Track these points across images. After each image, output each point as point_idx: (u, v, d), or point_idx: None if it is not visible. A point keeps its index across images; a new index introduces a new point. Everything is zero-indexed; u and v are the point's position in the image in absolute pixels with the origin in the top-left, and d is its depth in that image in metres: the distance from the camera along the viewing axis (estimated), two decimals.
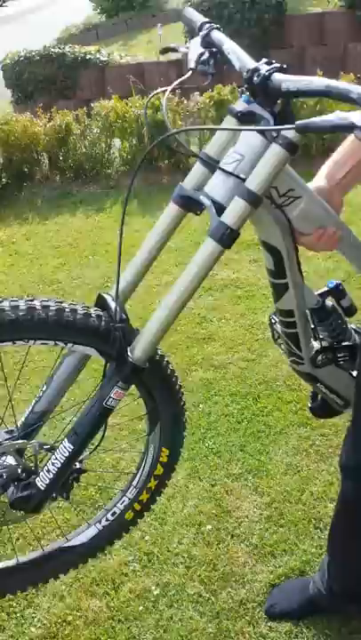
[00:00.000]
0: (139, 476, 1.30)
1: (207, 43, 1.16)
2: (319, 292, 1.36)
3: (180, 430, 1.29)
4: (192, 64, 1.14)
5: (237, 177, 1.02)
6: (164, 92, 1.12)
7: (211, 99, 4.66)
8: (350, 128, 0.83)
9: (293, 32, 7.01)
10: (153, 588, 1.64)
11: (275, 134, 0.99)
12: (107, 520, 1.32)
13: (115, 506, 1.32)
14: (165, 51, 1.31)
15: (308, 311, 1.31)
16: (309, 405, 1.56)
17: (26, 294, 3.31)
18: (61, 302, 1.06)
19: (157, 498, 1.35)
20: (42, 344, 1.06)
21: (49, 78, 6.89)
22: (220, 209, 1.03)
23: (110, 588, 1.65)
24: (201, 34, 1.17)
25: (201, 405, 2.34)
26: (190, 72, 1.14)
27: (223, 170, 1.03)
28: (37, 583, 1.36)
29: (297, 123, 0.92)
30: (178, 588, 1.63)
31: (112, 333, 1.07)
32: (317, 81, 0.93)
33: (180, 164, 4.70)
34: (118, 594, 1.64)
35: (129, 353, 1.08)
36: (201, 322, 2.89)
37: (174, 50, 1.25)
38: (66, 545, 1.32)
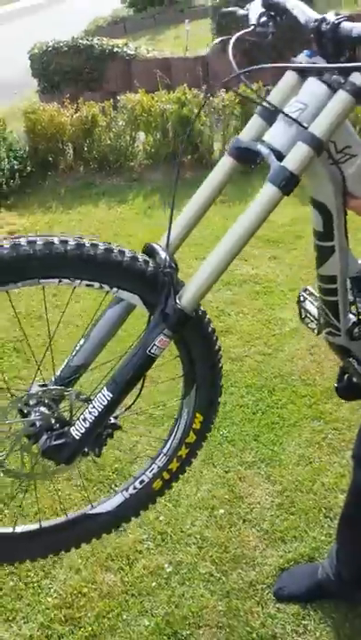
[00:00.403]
0: (170, 442, 1.25)
1: (268, 4, 1.15)
2: None
3: (215, 396, 1.24)
4: (253, 21, 1.14)
5: (301, 124, 1.00)
6: (229, 39, 1.10)
7: (236, 96, 4.69)
8: None
9: None
10: (166, 565, 1.70)
11: (342, 80, 0.98)
12: (134, 488, 1.27)
13: (143, 474, 1.27)
14: (224, 15, 1.32)
15: (348, 280, 1.27)
16: (335, 385, 1.51)
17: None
18: (110, 244, 1.03)
19: (187, 467, 1.29)
20: (87, 285, 1.02)
21: (76, 69, 6.94)
22: (279, 157, 1.00)
23: (125, 563, 1.72)
24: None
25: None
26: (252, 27, 1.13)
27: (287, 115, 1.01)
28: (59, 550, 1.30)
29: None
30: (190, 567, 1.69)
31: (160, 279, 1.03)
32: None
33: (204, 160, 4.74)
34: (132, 570, 1.70)
35: (177, 300, 1.04)
36: (219, 315, 2.94)
37: (232, 13, 1.24)
38: (91, 512, 1.28)
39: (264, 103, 1.08)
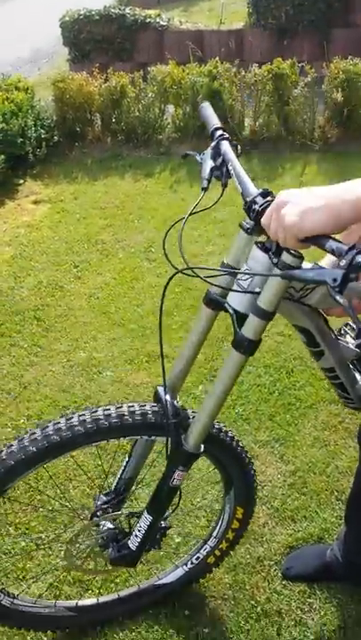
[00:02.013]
0: (218, 528, 1.48)
1: (217, 153, 1.22)
2: (357, 342, 1.39)
3: (252, 493, 1.44)
4: (204, 183, 1.19)
5: (252, 292, 1.09)
6: (180, 221, 1.15)
7: (269, 72, 4.59)
8: (324, 283, 0.88)
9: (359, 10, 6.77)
10: (175, 536, 1.72)
11: (275, 259, 1.04)
12: (192, 563, 1.53)
13: (198, 552, 1.52)
14: (185, 156, 1.35)
15: (349, 364, 1.38)
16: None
17: (71, 251, 3.39)
18: (121, 407, 1.25)
19: (236, 544, 1.53)
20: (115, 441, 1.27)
21: (107, 39, 6.83)
22: (242, 317, 1.12)
23: None
24: (211, 145, 1.23)
25: None
26: (203, 193, 1.18)
27: (236, 291, 1.12)
28: (134, 614, 1.56)
29: (282, 273, 1.01)
30: (198, 539, 1.71)
31: (167, 427, 1.23)
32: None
33: (234, 137, 4.67)
34: None
35: (183, 442, 1.24)
36: None
37: (192, 156, 1.29)
38: (158, 583, 1.55)
39: (213, 288, 1.18)
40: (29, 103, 4.59)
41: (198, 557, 1.52)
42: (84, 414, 1.23)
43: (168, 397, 1.25)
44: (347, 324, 1.41)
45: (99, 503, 1.39)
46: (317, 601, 1.55)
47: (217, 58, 4.80)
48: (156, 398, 1.30)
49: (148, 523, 1.32)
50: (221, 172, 1.20)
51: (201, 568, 1.53)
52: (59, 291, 3.05)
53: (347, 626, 1.50)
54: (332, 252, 0.89)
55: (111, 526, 1.38)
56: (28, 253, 3.39)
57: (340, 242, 0.88)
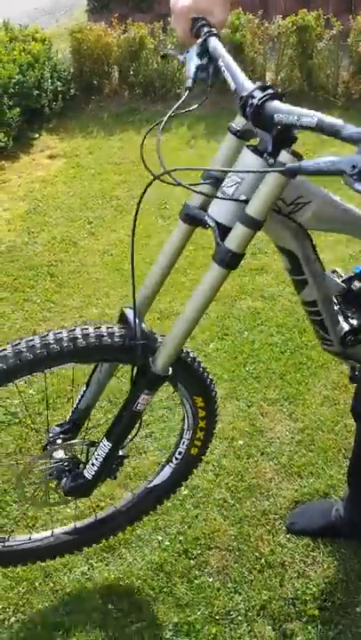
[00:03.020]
0: (187, 421, 1.45)
1: (204, 51, 1.13)
2: (345, 277, 1.35)
3: (203, 380, 1.37)
4: (189, 82, 1.11)
5: (238, 200, 1.03)
6: (159, 123, 1.09)
7: (293, 24, 4.41)
8: (340, 173, 0.82)
9: None
10: (182, 488, 1.74)
11: (271, 160, 0.97)
12: (176, 459, 1.50)
13: (179, 447, 1.49)
14: (163, 57, 1.29)
15: (334, 297, 1.32)
16: (349, 376, 1.60)
17: (86, 207, 3.35)
18: (87, 328, 1.19)
19: (213, 431, 1.50)
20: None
21: None
22: (224, 230, 1.05)
23: (142, 483, 1.76)
24: (198, 41, 1.13)
25: (246, 333, 2.37)
26: (187, 92, 1.10)
27: (222, 198, 1.05)
28: (134, 521, 1.58)
29: (287, 166, 0.93)
30: (205, 492, 1.73)
31: (134, 350, 1.18)
32: (308, 117, 0.91)
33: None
34: None
35: (151, 364, 1.19)
36: (255, 253, 2.87)
37: (173, 56, 1.22)
38: (150, 485, 1.53)
39: (197, 189, 1.10)
40: (46, 55, 4.47)
41: (180, 452, 1.48)
42: (46, 335, 1.17)
43: (136, 319, 1.19)
44: (334, 271, 1.34)
45: (52, 434, 1.35)
46: (321, 555, 1.57)
47: (240, 9, 4.61)
48: (122, 320, 1.24)
49: (107, 450, 1.28)
50: (208, 73, 1.12)
51: (187, 461, 1.50)
52: (72, 247, 3.03)
53: (349, 580, 1.52)
54: (351, 140, 0.83)
55: (64, 456, 1.34)
56: (42, 209, 3.37)
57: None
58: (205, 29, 1.14)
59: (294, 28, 4.39)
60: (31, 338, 1.17)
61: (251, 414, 1.98)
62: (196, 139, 4.05)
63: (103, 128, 4.33)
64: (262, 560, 1.57)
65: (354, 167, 0.79)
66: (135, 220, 1.10)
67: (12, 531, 1.60)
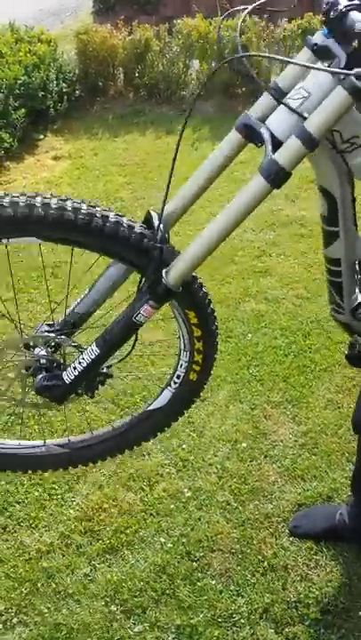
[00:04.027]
0: (181, 340, 1.33)
1: None
2: None
3: (196, 291, 1.25)
4: None
5: (300, 115, 0.99)
6: (244, 9, 1.08)
7: (299, 27, 4.42)
8: None
9: None
10: (185, 490, 1.74)
11: (342, 76, 0.93)
12: (175, 383, 1.38)
13: (177, 370, 1.37)
14: None
15: (357, 262, 1.27)
16: (346, 353, 1.53)
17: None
18: (107, 210, 1.10)
19: (213, 357, 1.36)
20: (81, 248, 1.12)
21: None
22: (277, 145, 1.00)
23: (145, 485, 1.76)
24: None
25: (250, 335, 2.37)
26: None
27: (286, 106, 1.00)
28: (132, 445, 1.46)
29: (357, 70, 0.90)
30: (208, 494, 1.73)
31: (150, 252, 1.09)
32: None
33: (258, 93, 4.53)
34: (152, 491, 1.74)
35: (164, 275, 1.10)
36: (260, 255, 2.87)
37: None
38: (149, 409, 1.41)
39: (272, 85, 1.06)
40: (52, 56, 4.49)
41: (179, 376, 1.38)
42: (64, 200, 1.08)
43: (161, 224, 1.11)
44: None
45: (37, 331, 1.25)
46: (324, 558, 1.57)
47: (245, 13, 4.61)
48: (147, 222, 1.15)
49: (93, 356, 1.18)
50: None
51: (187, 387, 1.40)
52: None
53: (352, 583, 1.51)
54: None
55: (45, 353, 1.24)
56: None
57: None
58: None
59: (300, 31, 4.40)
60: (49, 195, 1.08)
61: (254, 417, 1.98)
62: (201, 141, 4.05)
63: (108, 129, 4.34)
64: (265, 563, 1.57)
65: None
66: (185, 125, 1.11)
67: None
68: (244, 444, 1.87)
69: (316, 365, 2.20)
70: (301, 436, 1.90)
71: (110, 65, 4.73)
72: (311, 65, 0.98)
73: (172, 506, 1.70)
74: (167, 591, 1.52)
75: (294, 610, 1.47)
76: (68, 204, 1.07)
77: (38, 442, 1.47)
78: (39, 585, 1.54)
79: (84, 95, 4.74)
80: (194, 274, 1.19)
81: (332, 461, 1.80)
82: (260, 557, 1.58)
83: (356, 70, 0.90)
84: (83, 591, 1.53)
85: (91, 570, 1.57)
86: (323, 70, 0.97)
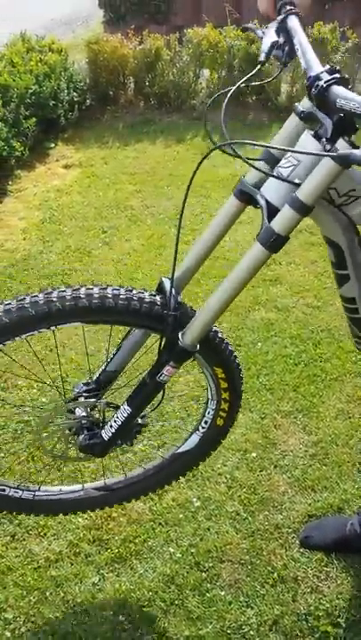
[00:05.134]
0: (209, 391, 1.43)
1: (283, 29, 1.14)
2: None
3: (223, 350, 1.34)
4: (262, 56, 1.12)
5: (291, 183, 1.03)
6: (227, 92, 1.10)
7: (309, 36, 4.42)
8: None
9: None
10: (194, 500, 1.73)
11: (328, 146, 0.97)
12: (203, 428, 1.49)
13: (205, 416, 1.48)
14: (245, 30, 1.31)
15: None
16: None
17: (100, 217, 3.37)
18: (130, 290, 1.19)
19: (239, 404, 1.46)
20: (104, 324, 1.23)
21: (143, 0, 6.70)
22: (273, 211, 1.05)
23: (155, 494, 1.75)
24: (278, 18, 1.15)
25: (259, 344, 2.37)
26: (259, 66, 1.11)
27: (277, 177, 1.05)
28: (163, 484, 1.60)
29: (338, 152, 0.94)
30: (218, 504, 1.72)
31: (165, 319, 1.18)
32: None
33: (269, 102, 4.55)
34: (161, 500, 1.74)
35: (180, 337, 1.18)
36: (270, 263, 2.87)
37: (252, 30, 1.23)
38: (178, 451, 1.53)
39: (256, 164, 1.11)
40: (63, 65, 4.52)
41: (206, 421, 1.48)
42: (83, 288, 1.18)
43: (173, 290, 1.19)
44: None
45: (76, 390, 1.37)
46: (334, 570, 1.55)
47: (255, 20, 4.64)
48: (159, 289, 1.24)
49: (126, 415, 1.30)
50: (283, 51, 1.13)
51: (214, 431, 1.49)
52: (86, 256, 3.04)
53: None
54: None
55: (85, 414, 1.36)
56: (58, 218, 3.39)
57: None
58: (287, 7, 1.16)
59: (310, 40, 4.40)
60: (63, 289, 1.17)
61: (264, 426, 1.97)
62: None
63: (118, 138, 4.37)
64: (275, 574, 1.55)
65: None
66: (189, 186, 1.13)
67: (43, 481, 1.66)
68: (253, 454, 1.86)
69: (327, 375, 2.18)
70: (312, 446, 1.89)
71: (121, 74, 4.77)
72: (300, 150, 1.03)
73: (180, 515, 1.69)
74: (176, 602, 1.51)
75: (304, 622, 1.46)
76: (109, 292, 1.18)
77: (77, 486, 1.56)
78: (48, 594, 1.54)
79: (95, 104, 4.78)
80: (216, 329, 1.29)
81: (343, 472, 1.78)
82: (269, 568, 1.57)
83: (339, 153, 0.95)
84: (91, 600, 1.52)
85: (99, 579, 1.56)
86: (312, 155, 1.01)
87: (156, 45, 4.62)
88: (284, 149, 1.06)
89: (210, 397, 1.44)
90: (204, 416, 1.48)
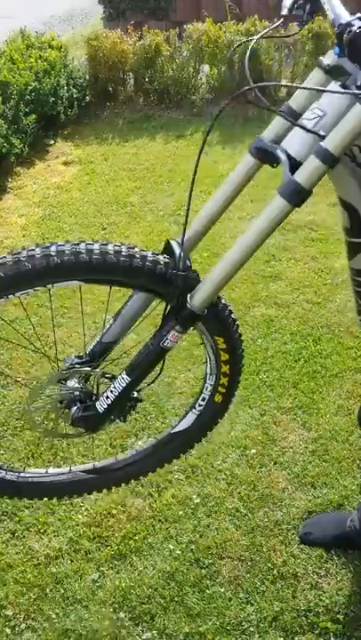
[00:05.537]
0: (209, 364, 1.36)
1: None
2: None
3: (226, 317, 1.27)
4: (285, 10, 1.11)
5: (316, 134, 1.00)
6: (249, 41, 1.09)
7: (310, 31, 4.41)
8: None
9: None
10: (194, 497, 1.73)
11: (360, 94, 0.94)
12: (200, 405, 1.41)
13: (202, 392, 1.40)
14: None
15: None
16: None
17: (100, 213, 3.36)
18: (132, 247, 1.13)
19: (239, 379, 1.39)
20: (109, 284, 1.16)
21: None
22: (295, 165, 1.01)
23: (154, 491, 1.76)
24: None
25: (259, 340, 2.36)
26: (282, 20, 1.11)
27: (302, 127, 1.01)
28: (156, 468, 1.49)
29: None
30: (217, 501, 1.72)
31: (174, 280, 1.12)
32: None
33: (269, 97, 4.52)
34: (161, 497, 1.74)
35: (188, 300, 1.13)
36: (269, 260, 2.87)
37: None
38: (174, 431, 1.44)
39: (282, 108, 1.08)
40: (62, 62, 4.51)
41: (204, 398, 1.40)
42: (83, 244, 1.11)
43: (181, 251, 1.13)
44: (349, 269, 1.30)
45: (68, 363, 1.29)
46: (334, 566, 1.55)
47: (255, 16, 4.62)
48: (167, 251, 1.18)
49: (124, 384, 1.22)
50: (304, 10, 1.11)
51: (212, 409, 1.41)
52: None
53: None
54: None
55: (78, 385, 1.29)
56: (57, 215, 3.38)
57: None
58: None
59: (310, 35, 4.39)
60: (77, 242, 1.11)
61: (264, 423, 1.97)
62: (211, 145, 4.05)
63: (118, 135, 4.36)
64: (275, 571, 1.55)
65: None
66: (202, 147, 1.11)
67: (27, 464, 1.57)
68: (253, 451, 1.86)
69: (327, 371, 2.18)
70: (312, 442, 1.88)
71: (120, 70, 4.75)
72: (331, 90, 0.99)
73: (180, 512, 1.69)
74: (176, 598, 1.51)
75: (304, 618, 1.46)
76: (110, 248, 1.11)
77: (64, 469, 1.49)
78: (47, 590, 1.54)
79: (95, 100, 4.77)
80: (220, 297, 1.22)
81: (343, 468, 1.78)
82: (269, 565, 1.57)
83: None
84: (91, 597, 1.52)
85: (99, 576, 1.57)
86: (342, 93, 0.98)
87: (155, 41, 4.61)
88: (318, 89, 1.02)
89: (208, 372, 1.36)
90: (201, 393, 1.40)
